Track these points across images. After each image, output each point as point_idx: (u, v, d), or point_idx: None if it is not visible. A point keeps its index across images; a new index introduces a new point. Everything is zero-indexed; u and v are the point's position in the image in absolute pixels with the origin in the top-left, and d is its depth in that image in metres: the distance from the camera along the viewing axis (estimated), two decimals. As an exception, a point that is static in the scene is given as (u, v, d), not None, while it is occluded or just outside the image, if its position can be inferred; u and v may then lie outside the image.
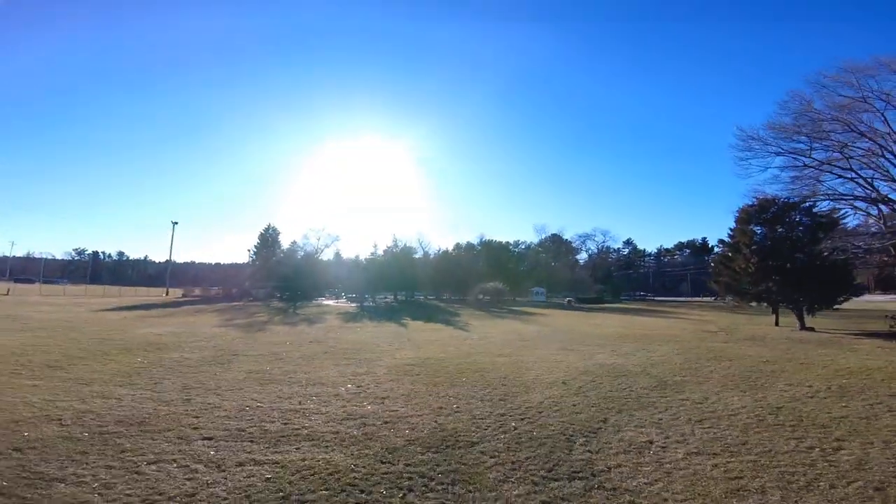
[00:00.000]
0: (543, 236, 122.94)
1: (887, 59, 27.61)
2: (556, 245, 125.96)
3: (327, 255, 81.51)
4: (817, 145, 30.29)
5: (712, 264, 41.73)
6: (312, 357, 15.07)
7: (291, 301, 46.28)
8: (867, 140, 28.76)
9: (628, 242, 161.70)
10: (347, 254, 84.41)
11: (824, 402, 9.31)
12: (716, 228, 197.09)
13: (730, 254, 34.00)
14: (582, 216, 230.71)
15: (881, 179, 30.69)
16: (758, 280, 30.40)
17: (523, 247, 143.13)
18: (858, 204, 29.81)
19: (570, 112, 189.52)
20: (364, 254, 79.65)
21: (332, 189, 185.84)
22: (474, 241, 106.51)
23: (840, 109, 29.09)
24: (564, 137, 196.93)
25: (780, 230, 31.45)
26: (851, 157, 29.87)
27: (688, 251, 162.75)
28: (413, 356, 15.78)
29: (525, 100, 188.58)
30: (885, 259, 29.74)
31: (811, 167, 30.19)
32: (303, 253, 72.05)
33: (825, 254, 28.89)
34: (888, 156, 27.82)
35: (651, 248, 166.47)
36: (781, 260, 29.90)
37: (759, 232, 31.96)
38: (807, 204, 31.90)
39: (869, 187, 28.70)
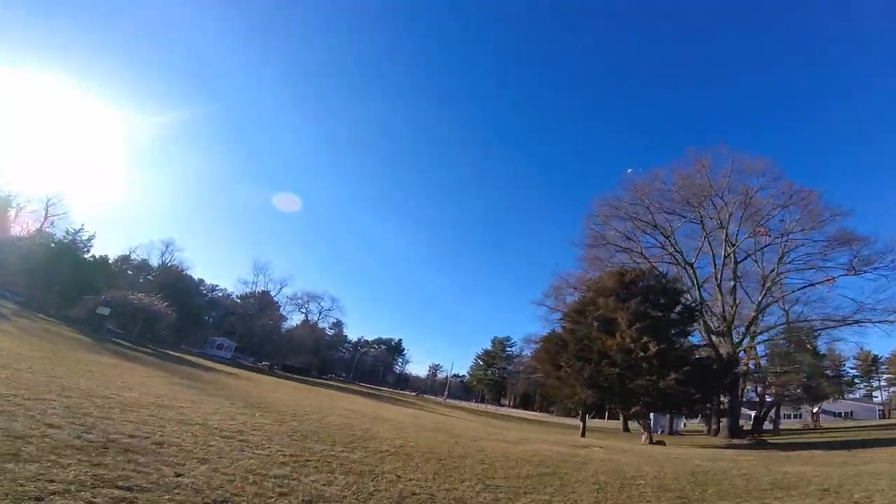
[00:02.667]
0: (250, 289, 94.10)
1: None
2: (262, 301, 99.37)
3: None
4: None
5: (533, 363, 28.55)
6: None
7: None
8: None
9: (336, 325, 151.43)
10: None
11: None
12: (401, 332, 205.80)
13: (600, 339, 21.33)
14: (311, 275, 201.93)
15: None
16: (659, 374, 18.24)
17: (220, 293, 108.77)
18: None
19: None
20: None
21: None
22: (149, 258, 68.34)
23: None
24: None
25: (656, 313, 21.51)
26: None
27: (384, 347, 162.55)
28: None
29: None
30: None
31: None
32: None
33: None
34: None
35: (352, 336, 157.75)
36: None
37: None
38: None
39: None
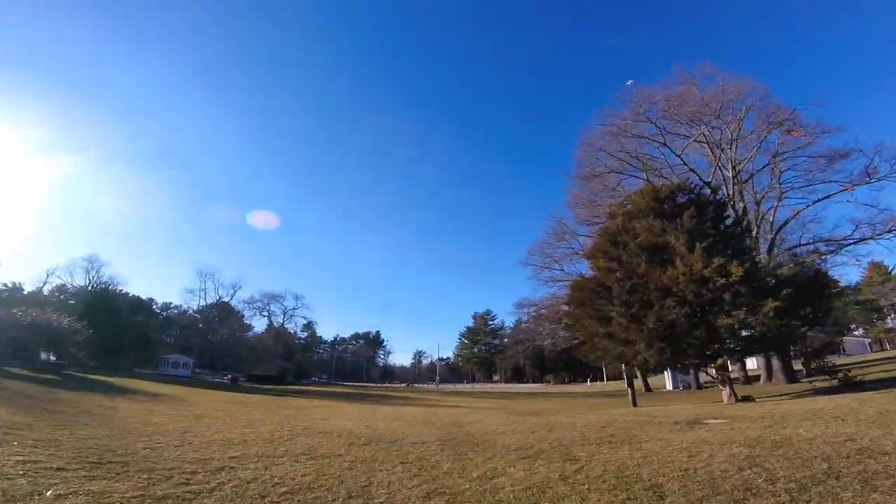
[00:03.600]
0: (199, 298, 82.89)
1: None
2: (222, 312, 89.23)
3: None
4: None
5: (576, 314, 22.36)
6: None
7: None
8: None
9: (308, 326, 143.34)
10: None
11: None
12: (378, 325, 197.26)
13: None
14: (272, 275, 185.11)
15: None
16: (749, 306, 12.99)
17: (175, 311, 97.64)
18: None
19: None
20: None
21: None
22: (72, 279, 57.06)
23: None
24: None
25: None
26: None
27: (362, 342, 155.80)
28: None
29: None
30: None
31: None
32: None
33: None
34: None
35: (328, 336, 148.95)
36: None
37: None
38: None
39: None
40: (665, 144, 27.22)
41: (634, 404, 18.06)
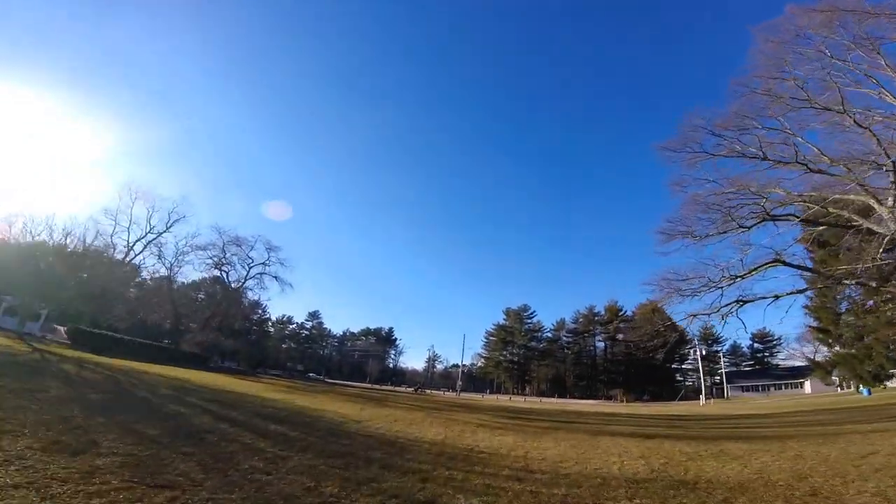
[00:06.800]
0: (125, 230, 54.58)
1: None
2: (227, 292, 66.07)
3: None
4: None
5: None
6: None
7: None
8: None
9: (314, 315, 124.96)
10: None
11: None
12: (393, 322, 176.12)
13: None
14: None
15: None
16: None
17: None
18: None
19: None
20: None
21: None
22: None
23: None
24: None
25: None
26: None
27: (373, 338, 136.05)
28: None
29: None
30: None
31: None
32: None
33: None
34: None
35: (336, 329, 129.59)
36: None
37: None
38: None
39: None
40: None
41: None
